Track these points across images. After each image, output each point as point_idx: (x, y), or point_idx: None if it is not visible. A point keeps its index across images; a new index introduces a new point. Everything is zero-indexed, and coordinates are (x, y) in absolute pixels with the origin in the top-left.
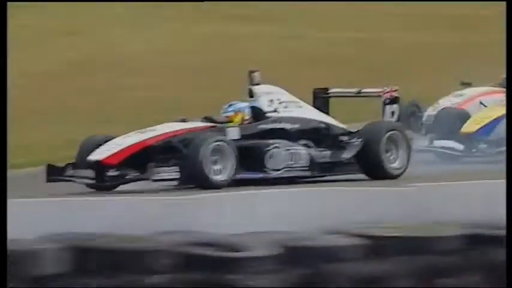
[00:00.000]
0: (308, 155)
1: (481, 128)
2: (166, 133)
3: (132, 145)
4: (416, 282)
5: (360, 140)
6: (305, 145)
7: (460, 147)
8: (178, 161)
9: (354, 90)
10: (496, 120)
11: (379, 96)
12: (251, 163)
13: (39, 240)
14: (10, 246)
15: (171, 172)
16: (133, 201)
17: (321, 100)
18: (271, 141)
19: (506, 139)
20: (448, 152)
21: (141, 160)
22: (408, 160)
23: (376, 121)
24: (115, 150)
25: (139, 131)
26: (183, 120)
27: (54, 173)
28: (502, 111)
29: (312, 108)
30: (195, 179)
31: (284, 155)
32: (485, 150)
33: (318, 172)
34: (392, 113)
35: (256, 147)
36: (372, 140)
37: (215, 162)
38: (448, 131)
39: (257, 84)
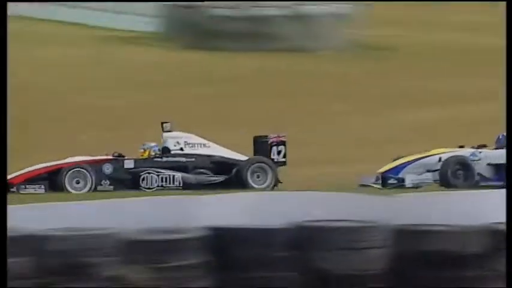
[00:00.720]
0: (181, 178)
1: (389, 169)
2: (62, 163)
3: (28, 172)
4: None
5: (236, 168)
6: (200, 172)
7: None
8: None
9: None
10: (405, 164)
11: (275, 140)
12: (132, 183)
13: None
14: None
15: (36, 188)
16: None
17: (259, 143)
18: (159, 169)
19: (507, 139)
20: (374, 186)
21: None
22: (274, 182)
23: (253, 156)
24: (17, 174)
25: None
26: (116, 155)
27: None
28: (412, 158)
29: (219, 147)
30: (59, 191)
31: (155, 178)
32: (395, 184)
33: (199, 189)
34: (279, 151)
35: (136, 172)
36: (243, 168)
37: (78, 182)
38: None
39: (168, 131)
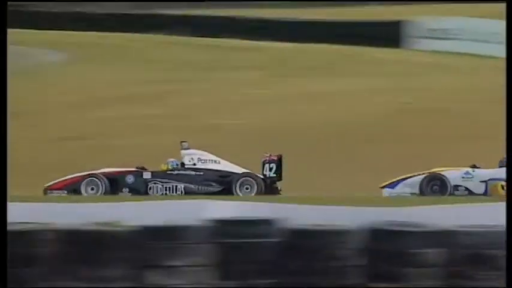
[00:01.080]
0: (183, 188)
1: (387, 184)
2: (86, 174)
3: (62, 180)
4: None
5: (221, 181)
6: (205, 184)
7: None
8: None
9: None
10: (400, 180)
11: (268, 159)
12: (144, 191)
13: None
14: None
15: (60, 193)
16: None
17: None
18: (165, 180)
19: (506, 139)
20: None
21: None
22: (259, 191)
23: (244, 171)
24: (55, 182)
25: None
26: (144, 168)
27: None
28: (410, 174)
29: (228, 163)
30: (76, 193)
31: (160, 188)
32: (392, 195)
33: (203, 195)
34: (271, 168)
35: (146, 182)
36: (233, 180)
37: (93, 188)
38: None
39: (186, 149)
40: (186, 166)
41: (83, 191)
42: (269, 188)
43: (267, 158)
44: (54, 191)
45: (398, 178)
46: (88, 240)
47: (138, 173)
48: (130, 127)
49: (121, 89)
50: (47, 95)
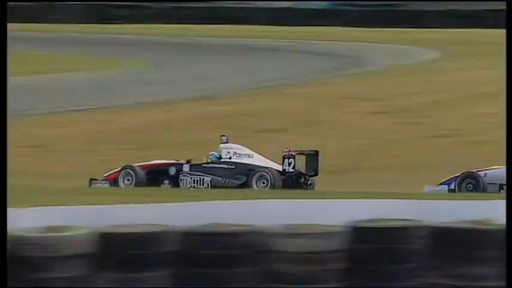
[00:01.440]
0: (210, 180)
1: (445, 181)
2: (124, 166)
3: (113, 172)
4: None
5: (248, 175)
6: (235, 178)
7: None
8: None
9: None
10: (450, 179)
11: (287, 154)
12: (176, 182)
13: None
14: None
15: (103, 183)
16: None
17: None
18: (195, 173)
19: (506, 139)
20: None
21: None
22: (273, 185)
23: (261, 166)
24: (108, 174)
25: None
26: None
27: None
28: (456, 174)
29: (260, 157)
30: (114, 186)
31: (189, 180)
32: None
33: (230, 187)
34: (289, 163)
35: (179, 175)
36: (251, 174)
37: (128, 179)
38: None
39: (224, 143)
40: (222, 160)
41: (120, 182)
42: (294, 182)
43: (287, 153)
44: (98, 182)
45: (453, 175)
46: (461, 238)
47: (178, 166)
48: (487, 124)
49: (489, 85)
50: (423, 92)
